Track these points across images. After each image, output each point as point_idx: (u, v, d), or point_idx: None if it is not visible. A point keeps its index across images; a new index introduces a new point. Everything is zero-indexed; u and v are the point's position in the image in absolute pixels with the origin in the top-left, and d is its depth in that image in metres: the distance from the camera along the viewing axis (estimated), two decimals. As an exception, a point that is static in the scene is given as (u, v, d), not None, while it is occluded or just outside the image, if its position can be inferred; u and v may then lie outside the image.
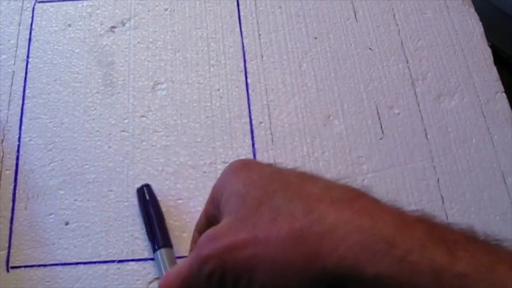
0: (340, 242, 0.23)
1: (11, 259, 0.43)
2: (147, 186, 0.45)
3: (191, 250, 0.36)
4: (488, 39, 0.52)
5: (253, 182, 0.28)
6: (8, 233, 0.44)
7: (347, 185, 0.27)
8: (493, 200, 0.44)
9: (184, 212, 0.45)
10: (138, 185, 0.45)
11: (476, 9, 0.54)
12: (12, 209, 0.45)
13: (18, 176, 0.46)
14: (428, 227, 0.24)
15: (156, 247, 0.41)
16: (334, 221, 0.24)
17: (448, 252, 0.22)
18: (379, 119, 0.49)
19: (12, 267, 0.43)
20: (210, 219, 0.32)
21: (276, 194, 0.26)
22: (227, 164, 0.46)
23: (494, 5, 0.69)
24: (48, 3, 0.56)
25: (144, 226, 0.43)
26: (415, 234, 0.23)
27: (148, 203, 0.44)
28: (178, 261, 0.42)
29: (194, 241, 0.35)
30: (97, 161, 0.47)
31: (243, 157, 0.47)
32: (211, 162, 0.47)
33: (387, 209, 0.25)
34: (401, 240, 0.22)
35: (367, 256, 0.22)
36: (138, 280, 0.42)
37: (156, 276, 0.42)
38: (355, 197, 0.25)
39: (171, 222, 0.44)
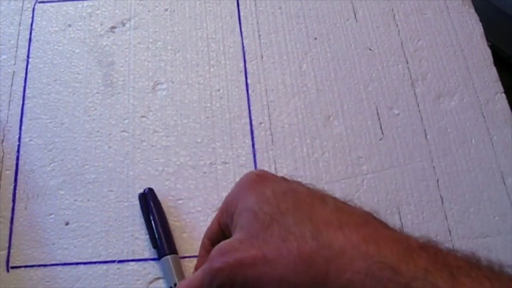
0: (348, 267, 0.24)
1: (11, 259, 0.43)
2: (150, 190, 0.44)
3: (200, 256, 0.37)
4: (488, 39, 0.52)
5: (267, 199, 0.28)
6: (8, 233, 0.44)
7: (356, 207, 0.28)
8: (492, 201, 0.45)
9: (184, 212, 0.45)
10: (138, 185, 0.45)
11: (476, 9, 0.54)
12: (12, 209, 0.45)
13: (18, 176, 0.46)
14: (432, 253, 0.24)
15: (162, 254, 0.41)
16: (342, 245, 0.24)
17: (451, 277, 0.23)
18: (379, 119, 0.49)
19: (12, 267, 0.43)
20: (222, 227, 0.33)
21: (288, 213, 0.27)
22: (227, 164, 0.47)
23: (494, 5, 0.69)
24: (48, 4, 0.56)
25: (145, 230, 0.43)
26: (419, 261, 0.23)
27: (151, 209, 0.43)
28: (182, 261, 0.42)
29: (204, 247, 0.36)
30: (97, 161, 0.47)
31: (243, 158, 0.47)
32: (211, 163, 0.47)
33: (393, 235, 0.26)
34: (406, 267, 0.23)
35: (373, 282, 0.23)
36: (138, 280, 0.42)
37: (156, 276, 0.42)
38: (363, 223, 0.26)
39: (171, 222, 0.44)
